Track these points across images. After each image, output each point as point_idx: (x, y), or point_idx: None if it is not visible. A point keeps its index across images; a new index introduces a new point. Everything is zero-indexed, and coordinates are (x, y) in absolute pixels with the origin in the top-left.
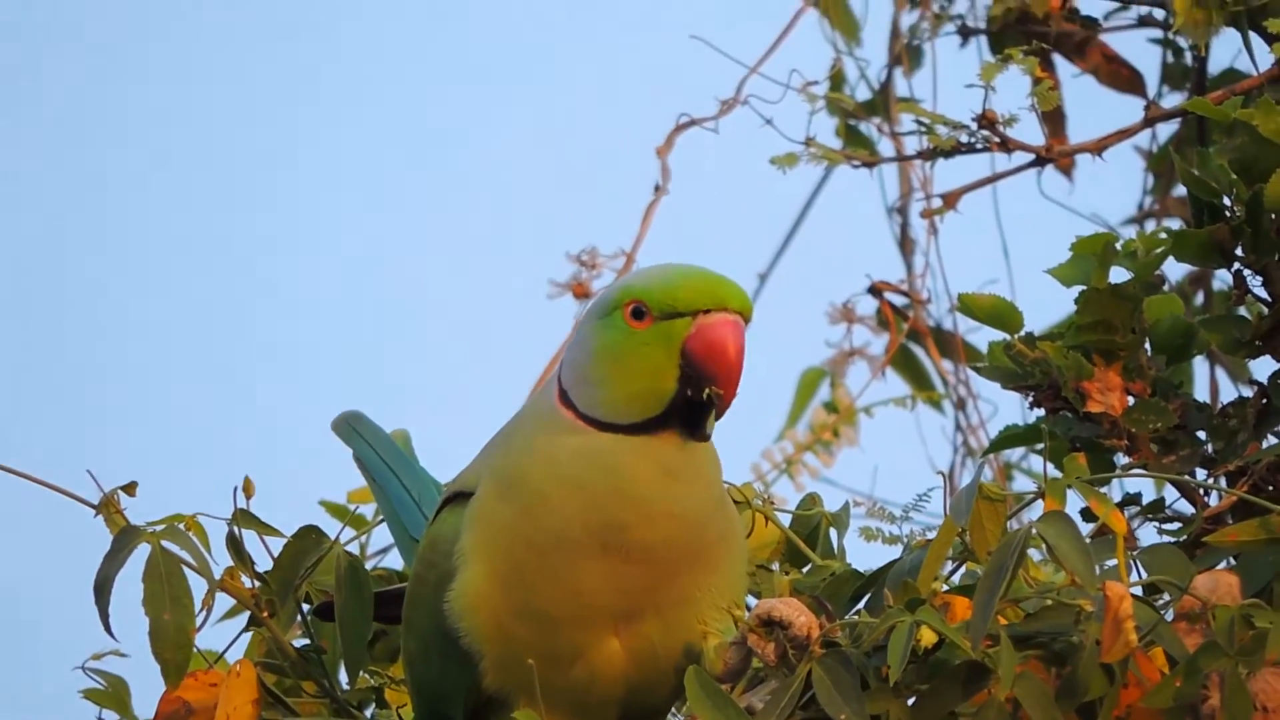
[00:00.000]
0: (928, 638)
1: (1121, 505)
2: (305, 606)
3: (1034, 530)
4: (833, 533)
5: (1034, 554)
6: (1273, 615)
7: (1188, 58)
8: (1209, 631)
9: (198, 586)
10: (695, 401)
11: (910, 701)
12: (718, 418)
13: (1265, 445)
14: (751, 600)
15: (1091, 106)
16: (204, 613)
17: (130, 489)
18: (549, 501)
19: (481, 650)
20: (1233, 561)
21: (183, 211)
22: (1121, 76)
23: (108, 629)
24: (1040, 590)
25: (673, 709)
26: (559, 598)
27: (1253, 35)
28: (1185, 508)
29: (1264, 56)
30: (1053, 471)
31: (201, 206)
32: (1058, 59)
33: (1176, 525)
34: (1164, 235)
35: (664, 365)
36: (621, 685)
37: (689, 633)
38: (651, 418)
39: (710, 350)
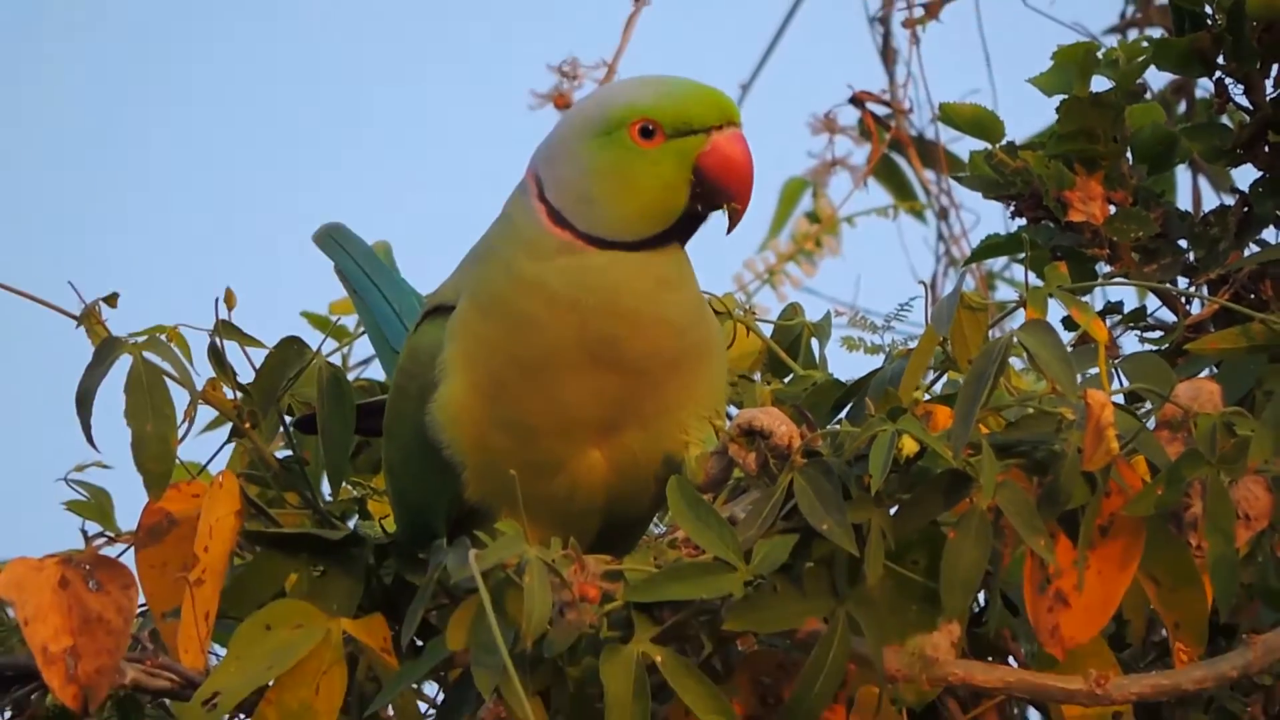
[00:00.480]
0: (909, 446)
1: (1103, 314)
2: (287, 418)
3: (1015, 339)
4: (814, 343)
5: (1016, 364)
6: (1254, 423)
7: None
8: (1190, 439)
9: (180, 398)
10: (696, 214)
11: (892, 511)
12: (730, 230)
13: (1247, 253)
14: (733, 410)
15: None
16: (186, 424)
17: (111, 300)
18: (538, 322)
19: (463, 461)
20: (1214, 370)
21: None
22: None
23: (90, 440)
24: (1022, 399)
25: (655, 519)
26: (542, 410)
27: None
28: (1167, 316)
29: None
30: (1034, 280)
31: (188, 18)
32: None
33: (1158, 334)
34: (1145, 44)
35: (675, 182)
36: (603, 495)
37: (670, 443)
38: (656, 233)
39: (728, 166)
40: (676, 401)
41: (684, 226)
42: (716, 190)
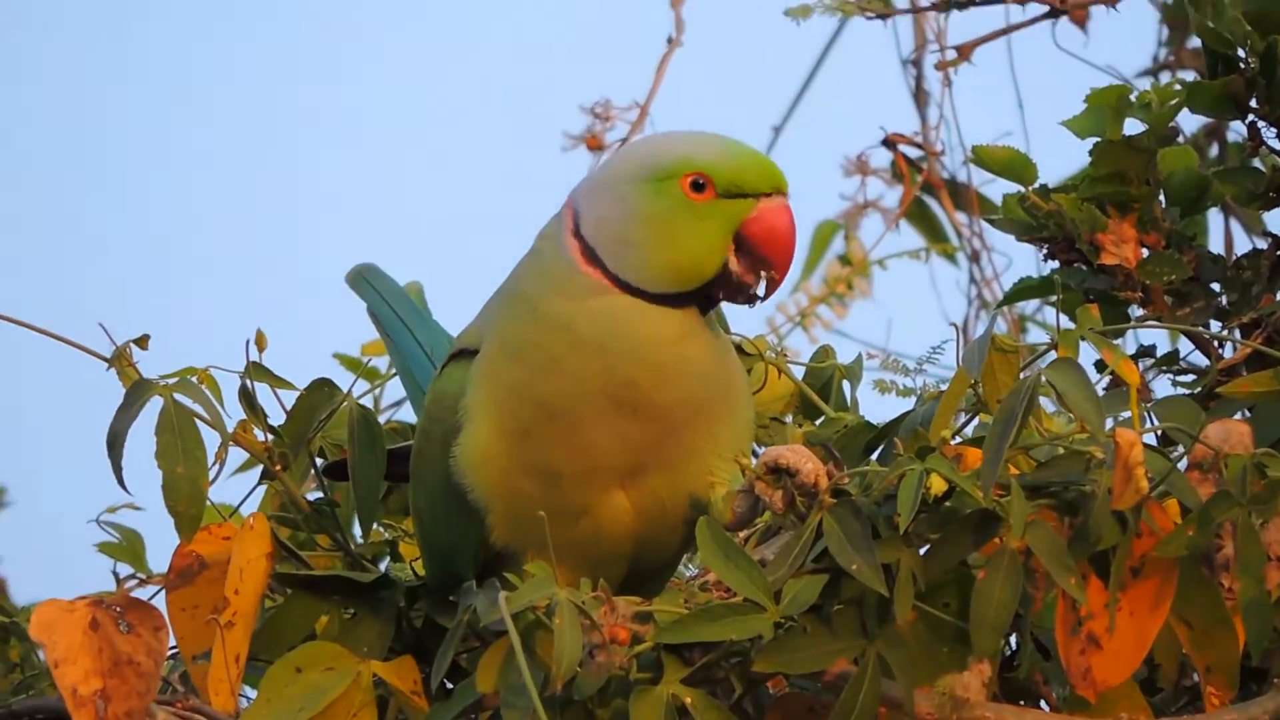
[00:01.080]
0: (938, 485)
1: (1135, 358)
2: (319, 460)
3: (1043, 378)
4: (846, 385)
5: (1048, 406)
6: None
7: None
8: (1221, 481)
9: (211, 440)
10: (725, 281)
11: (922, 551)
12: (765, 299)
13: (1279, 297)
14: (759, 450)
15: None
16: (217, 466)
17: (143, 342)
18: (563, 365)
19: (488, 505)
20: (1247, 414)
21: (198, 61)
22: None
23: (121, 483)
24: (1051, 439)
25: (685, 560)
26: (566, 455)
27: None
28: (1199, 360)
29: None
30: (1066, 323)
31: (218, 57)
32: None
33: (1191, 378)
34: (1178, 87)
35: (716, 242)
36: (629, 540)
37: (695, 486)
38: (683, 291)
39: (773, 235)
40: (701, 445)
41: (706, 296)
42: (757, 257)
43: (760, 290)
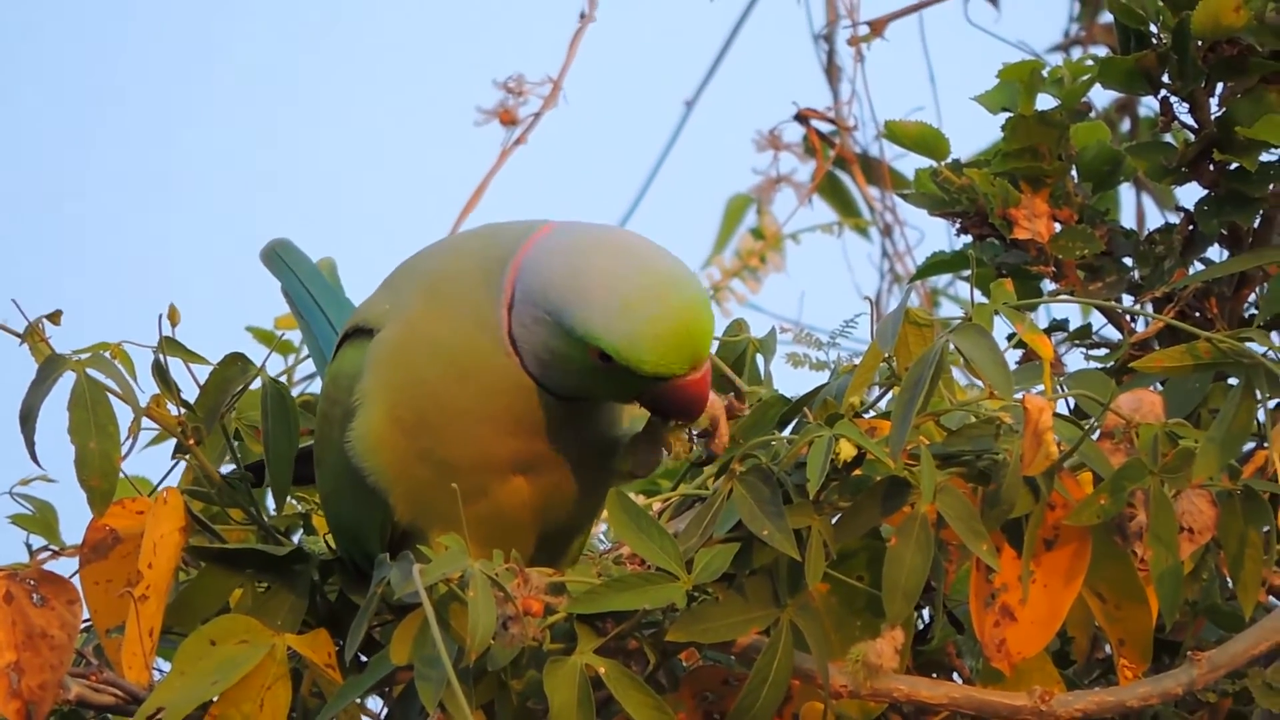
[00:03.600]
0: (847, 451)
1: (1048, 331)
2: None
3: (950, 344)
4: (759, 359)
5: (960, 379)
6: (1197, 434)
7: None
8: (1133, 450)
9: (124, 415)
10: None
11: (834, 520)
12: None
13: (1191, 271)
14: None
15: None
16: (130, 440)
17: (55, 317)
18: (470, 381)
19: (388, 487)
20: (1159, 388)
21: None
22: None
23: (33, 457)
24: (961, 405)
25: (598, 535)
26: (460, 452)
27: None
28: (1112, 334)
29: None
30: (979, 297)
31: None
32: None
33: (1104, 352)
34: (1090, 62)
35: (624, 393)
36: (531, 514)
37: (592, 465)
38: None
39: (680, 406)
40: (597, 441)
41: None
42: (666, 415)
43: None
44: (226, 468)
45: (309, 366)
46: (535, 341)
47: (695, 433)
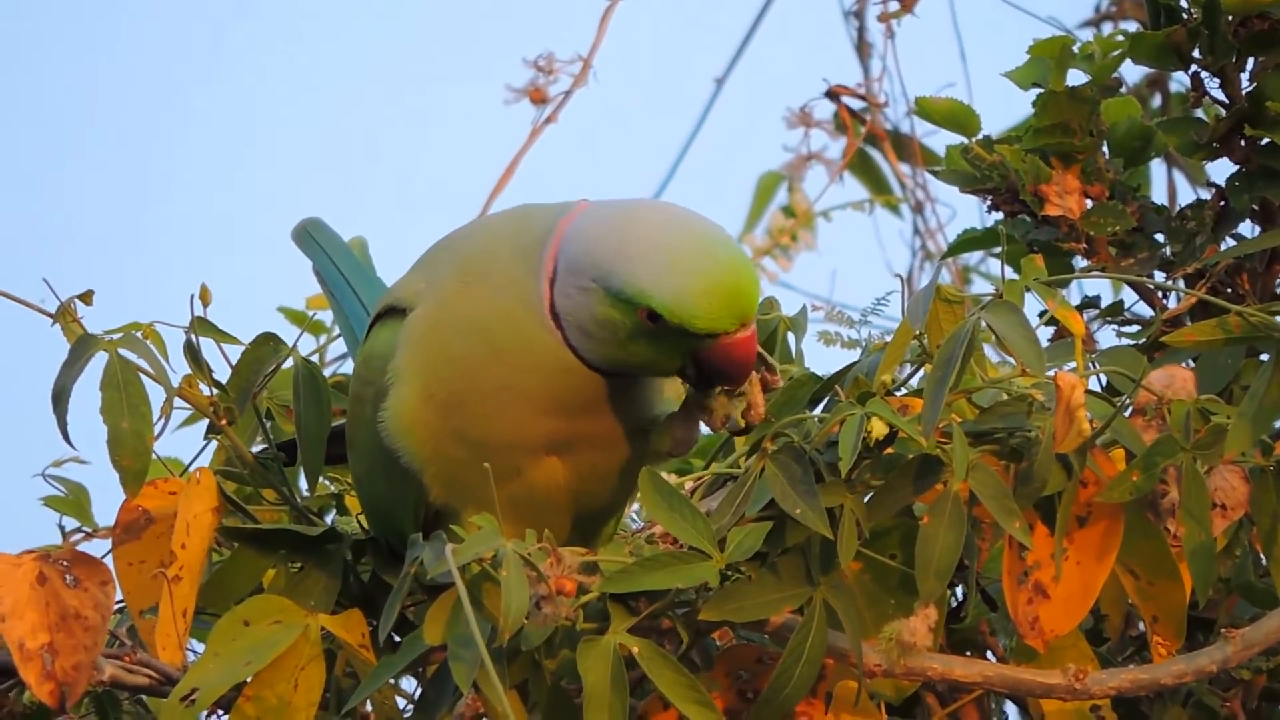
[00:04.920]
0: (879, 429)
1: (1080, 308)
2: (268, 424)
3: (982, 321)
4: (790, 337)
5: (993, 357)
6: (1230, 410)
7: None
8: (1165, 426)
9: (156, 395)
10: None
11: (866, 500)
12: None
13: (1223, 247)
14: None
15: None
16: (162, 421)
17: (87, 297)
18: (505, 361)
19: (421, 467)
20: (1191, 364)
21: (146, 17)
22: None
23: (66, 438)
24: (992, 382)
25: (630, 513)
26: (495, 430)
27: None
28: (1144, 311)
29: None
30: (1010, 274)
31: (166, 15)
32: None
33: (1135, 328)
34: (1121, 38)
35: (668, 361)
36: (565, 493)
37: (628, 444)
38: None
39: (728, 367)
40: (633, 420)
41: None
42: (715, 378)
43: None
44: (258, 447)
45: (341, 346)
46: (580, 313)
47: (729, 399)
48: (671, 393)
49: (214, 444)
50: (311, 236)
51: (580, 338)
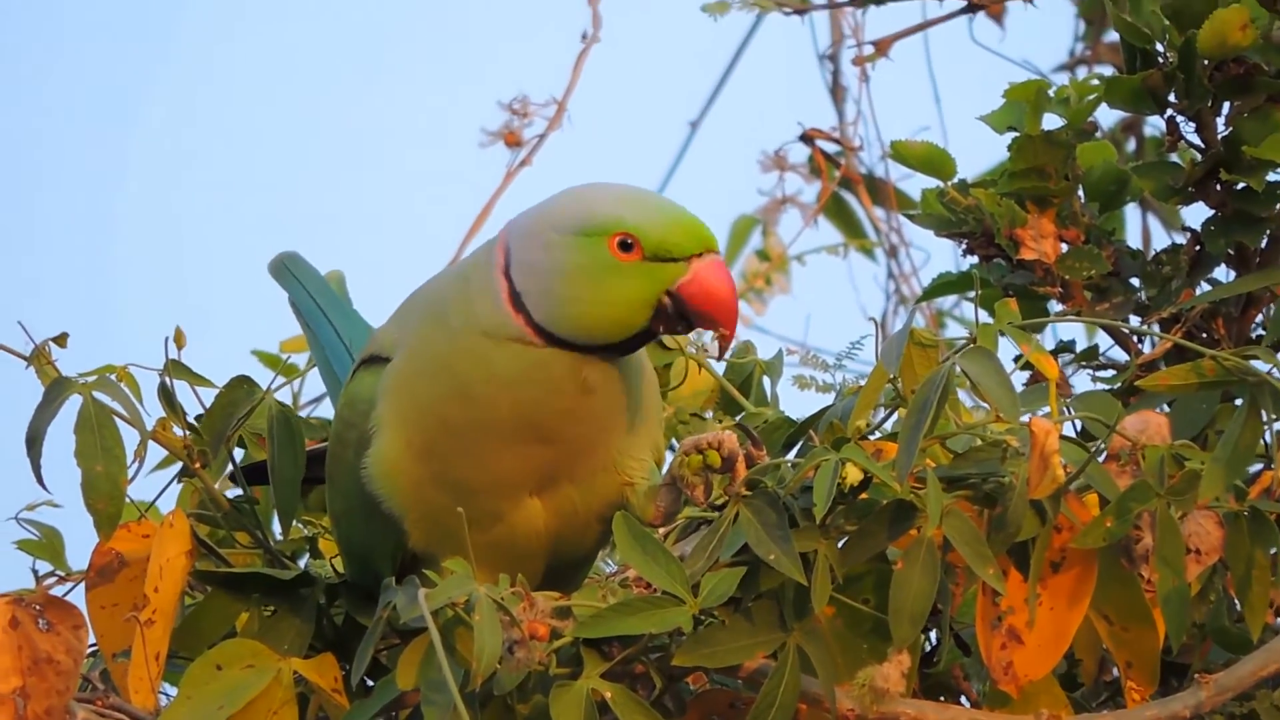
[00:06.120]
0: (853, 475)
1: (1055, 353)
2: (239, 454)
3: (957, 367)
4: (766, 380)
5: (967, 402)
6: (1204, 456)
7: None
8: (1139, 472)
9: (130, 438)
10: (649, 333)
11: (840, 545)
12: (720, 355)
13: (1198, 292)
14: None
15: None
16: (136, 464)
17: (61, 340)
18: (473, 393)
19: (402, 513)
20: (1166, 409)
21: (119, 52)
22: None
23: (40, 481)
24: (967, 428)
25: (603, 557)
26: (475, 472)
27: None
28: (1119, 355)
29: None
30: (985, 318)
31: (138, 50)
32: None
33: (1110, 373)
34: (1096, 82)
35: (641, 302)
36: (544, 539)
37: (609, 489)
38: (604, 344)
39: (711, 296)
40: (610, 460)
41: (632, 343)
42: (700, 317)
43: (715, 350)
44: (232, 492)
45: (316, 387)
46: (544, 275)
47: (711, 475)
48: (649, 469)
49: (177, 485)
50: (288, 269)
51: (548, 306)
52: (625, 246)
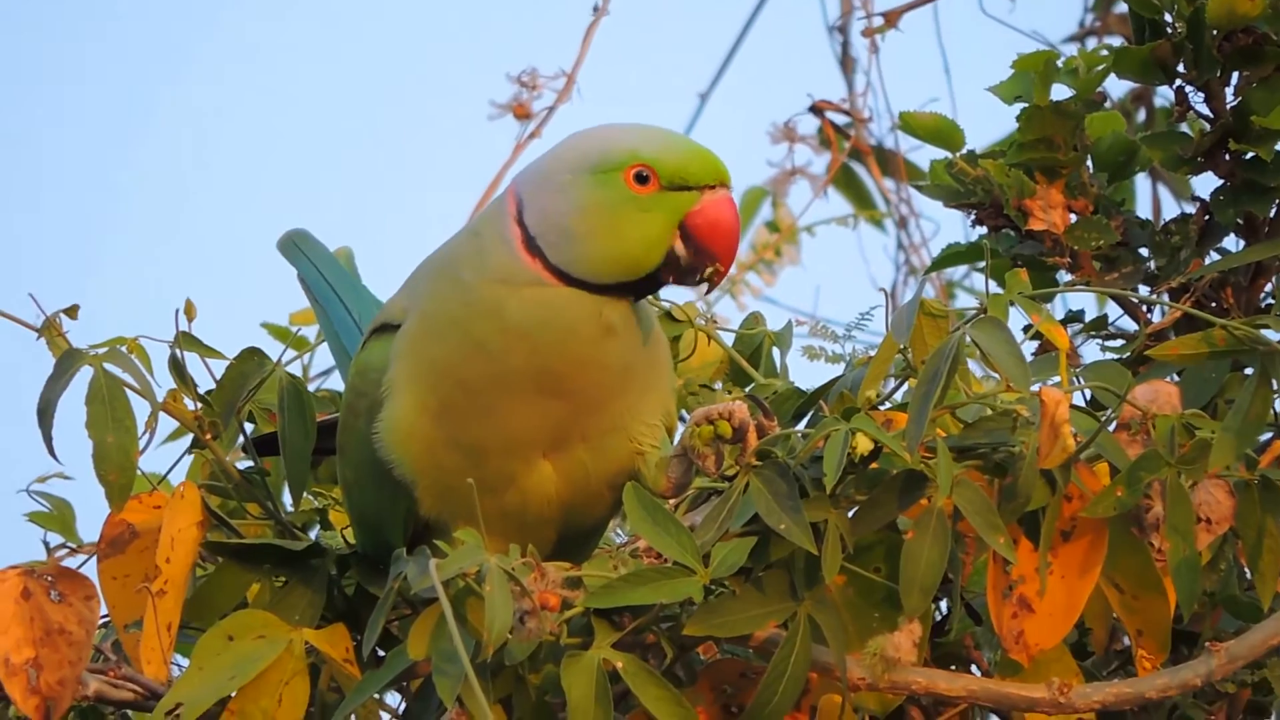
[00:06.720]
0: (863, 445)
1: (1064, 322)
2: (249, 426)
3: (967, 336)
4: (775, 352)
5: (977, 372)
6: (1214, 425)
7: None
8: (1149, 441)
9: (141, 409)
10: (668, 270)
11: (850, 514)
12: (709, 292)
13: (1207, 261)
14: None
15: None
16: (147, 435)
17: (72, 312)
18: (487, 347)
19: (414, 479)
20: (1176, 378)
21: (129, 27)
22: None
23: (51, 452)
24: (977, 398)
25: (614, 528)
26: (489, 431)
27: None
28: (1128, 325)
29: None
30: (995, 289)
31: (148, 26)
32: None
33: (1120, 343)
34: (1105, 52)
35: (659, 234)
36: (556, 506)
37: (620, 453)
38: (621, 282)
39: (716, 228)
40: (624, 418)
41: (643, 286)
42: (701, 250)
43: (706, 284)
44: (243, 463)
45: (325, 360)
46: (560, 214)
47: (722, 445)
48: (660, 438)
49: (189, 457)
50: (297, 246)
51: (565, 245)
52: (641, 179)
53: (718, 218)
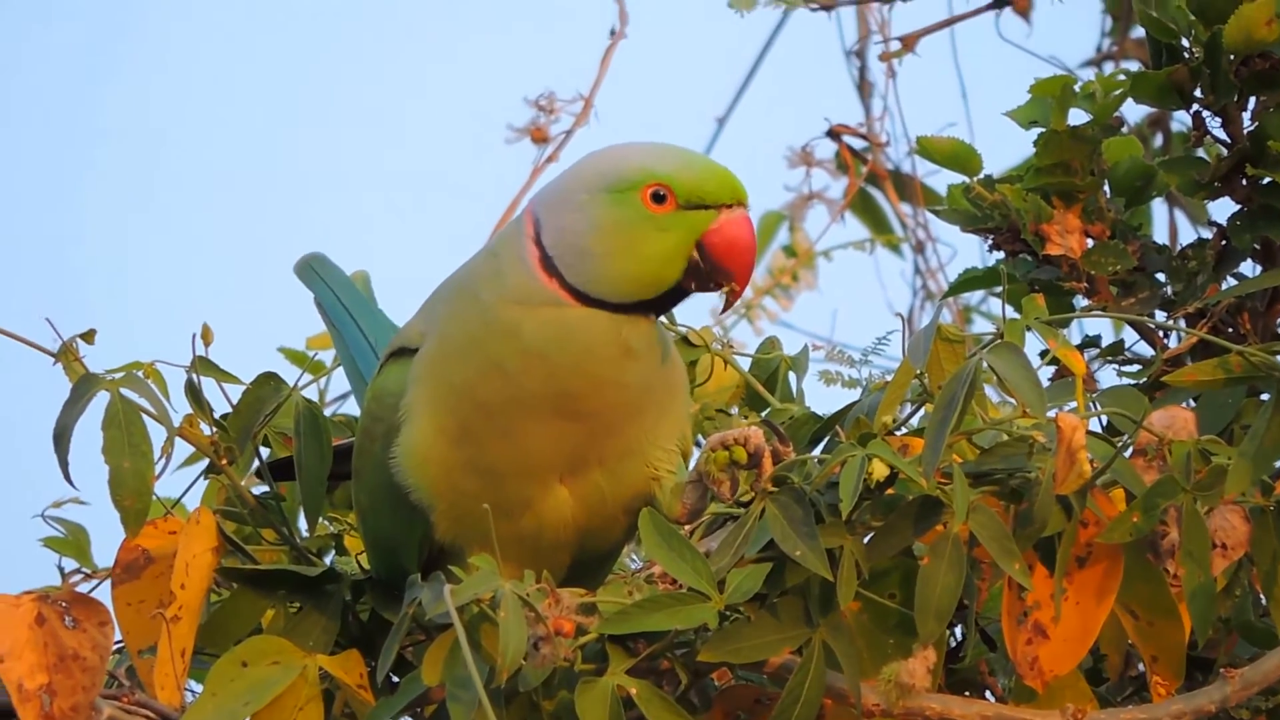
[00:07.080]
0: (879, 471)
1: (1081, 348)
2: (265, 451)
3: (984, 362)
4: (792, 376)
5: (993, 397)
6: (1230, 451)
7: None
8: (1166, 467)
9: (157, 434)
10: (680, 291)
11: (866, 540)
12: (725, 310)
13: (1224, 287)
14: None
15: None
16: (163, 460)
17: (89, 336)
18: (505, 368)
19: (431, 503)
20: (1192, 404)
21: (147, 53)
22: None
23: (67, 477)
24: (994, 424)
25: (629, 553)
26: (506, 454)
27: None
28: (1145, 350)
29: None
30: (1011, 314)
31: (172, 51)
32: None
33: (1136, 368)
34: (1122, 77)
35: (676, 253)
36: (572, 531)
37: (636, 478)
38: (640, 301)
39: (733, 248)
40: (641, 442)
41: (664, 301)
42: (718, 269)
43: (721, 303)
44: (258, 488)
45: (341, 385)
46: (578, 235)
47: (738, 471)
48: (675, 464)
49: (202, 482)
50: (314, 270)
51: (583, 265)
52: (658, 198)
53: (735, 236)
